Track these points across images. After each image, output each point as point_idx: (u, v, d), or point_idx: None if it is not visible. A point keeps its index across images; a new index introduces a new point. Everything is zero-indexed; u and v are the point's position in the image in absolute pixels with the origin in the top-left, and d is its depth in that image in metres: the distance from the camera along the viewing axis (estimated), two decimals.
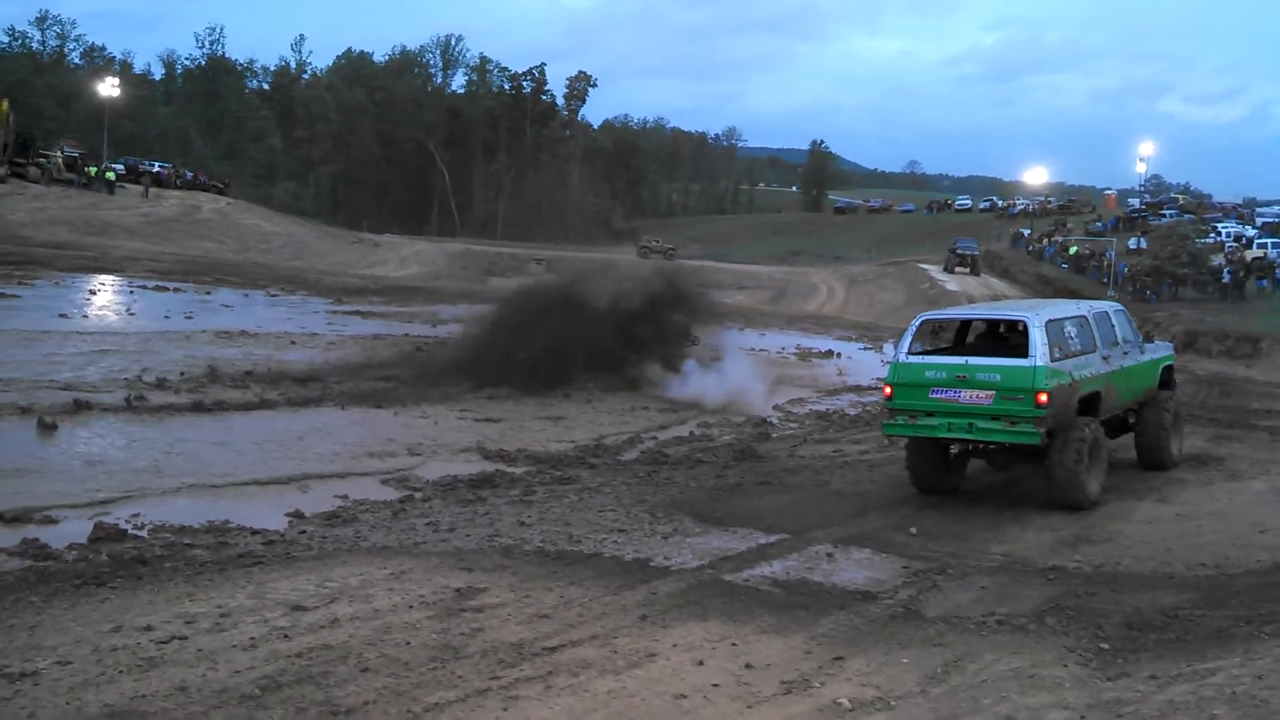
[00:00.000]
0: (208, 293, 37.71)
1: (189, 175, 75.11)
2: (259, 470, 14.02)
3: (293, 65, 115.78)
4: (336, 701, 6.36)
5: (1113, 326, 13.35)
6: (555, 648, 7.31)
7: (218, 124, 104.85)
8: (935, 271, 65.02)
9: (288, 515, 11.91)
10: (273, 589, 8.61)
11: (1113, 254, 54.29)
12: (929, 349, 13.22)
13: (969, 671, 6.92)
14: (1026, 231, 78.42)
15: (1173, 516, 11.16)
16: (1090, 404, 12.17)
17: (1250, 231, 60.88)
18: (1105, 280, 52.41)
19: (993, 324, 13.53)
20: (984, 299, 54.29)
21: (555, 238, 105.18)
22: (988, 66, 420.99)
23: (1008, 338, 12.89)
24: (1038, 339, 11.40)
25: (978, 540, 10.66)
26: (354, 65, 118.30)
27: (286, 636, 7.43)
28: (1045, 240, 70.71)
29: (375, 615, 7.94)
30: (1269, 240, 55.10)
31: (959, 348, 13.44)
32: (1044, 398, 11.13)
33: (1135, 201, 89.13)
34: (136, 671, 6.68)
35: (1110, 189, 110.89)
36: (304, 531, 11.27)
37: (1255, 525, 10.47)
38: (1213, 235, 55.81)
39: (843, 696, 6.52)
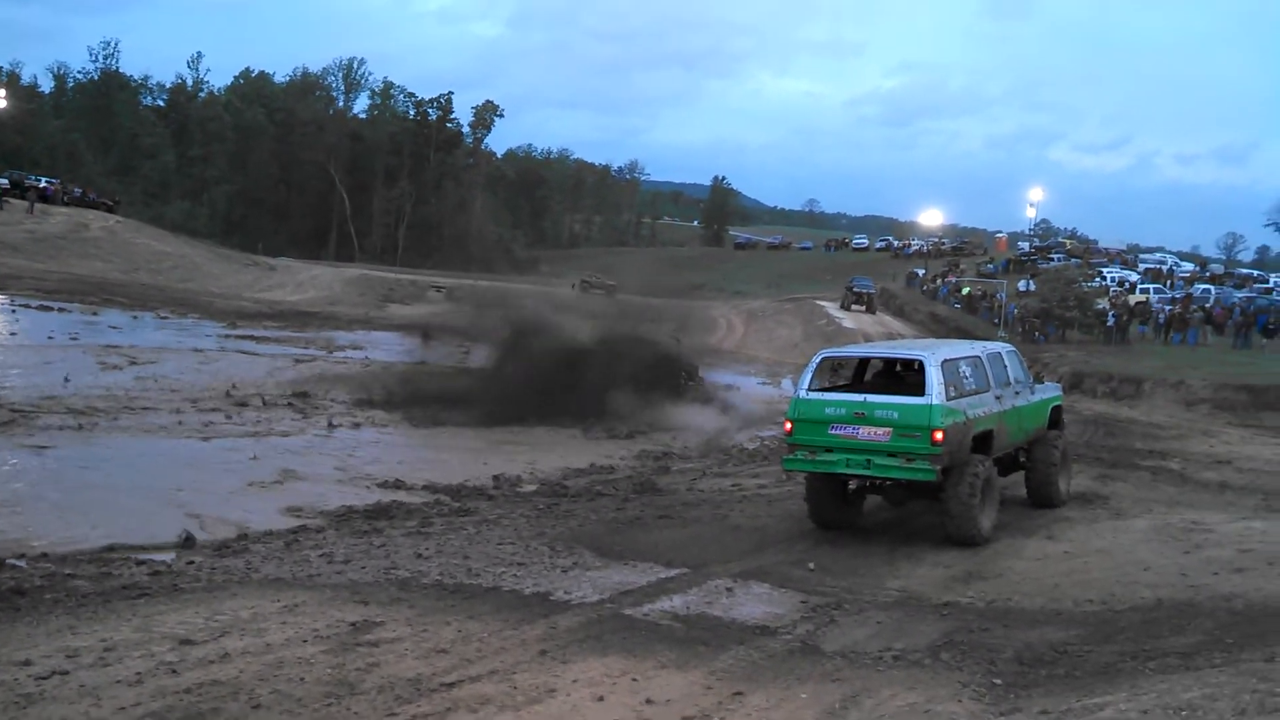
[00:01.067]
0: (95, 313, 36.52)
1: (77, 192, 72.69)
2: (143, 498, 13.61)
3: (189, 83, 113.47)
4: None
5: (1005, 367, 13.64)
6: (454, 683, 7.21)
7: (110, 140, 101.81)
8: (832, 309, 65.88)
9: (176, 545, 11.60)
10: (159, 622, 8.35)
11: (1004, 295, 55.76)
12: (828, 386, 13.35)
13: (866, 707, 7.00)
14: (921, 271, 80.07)
15: (1061, 554, 11.44)
16: (983, 442, 12.39)
17: (1133, 276, 63.21)
18: (996, 321, 53.78)
19: (890, 362, 13.82)
20: (880, 337, 55.31)
21: (456, 265, 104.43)
22: (888, 110, 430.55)
23: (904, 376, 13.21)
24: (934, 378, 11.66)
25: (873, 576, 10.81)
26: (253, 85, 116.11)
27: (174, 672, 7.20)
28: (939, 280, 72.28)
29: (267, 649, 7.74)
30: (1151, 286, 57.25)
31: (857, 385, 13.67)
32: (939, 435, 11.35)
33: (1025, 245, 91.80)
34: (14, 709, 6.42)
35: (1001, 232, 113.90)
36: (192, 562, 10.98)
37: (1139, 563, 10.78)
38: (1098, 279, 57.74)
39: None
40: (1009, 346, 15.14)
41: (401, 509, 14.33)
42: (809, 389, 12.46)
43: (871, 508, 13.70)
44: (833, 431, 11.91)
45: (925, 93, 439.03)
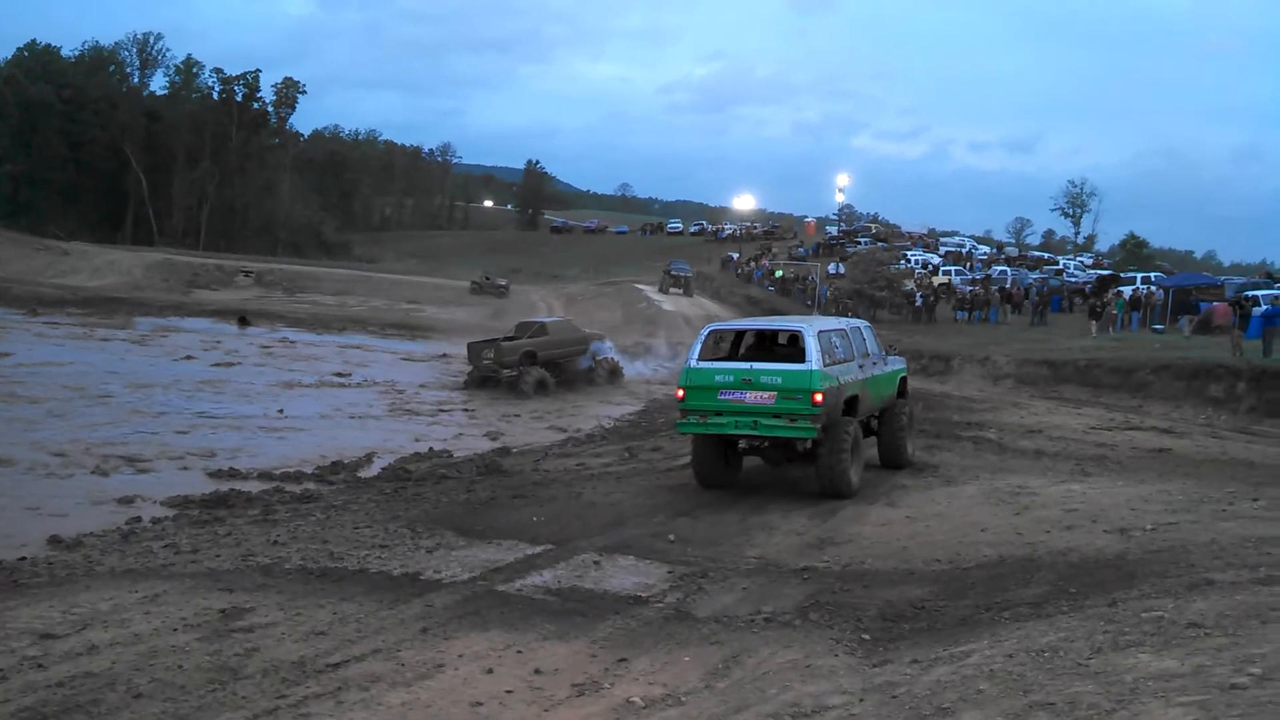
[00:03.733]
0: None
1: None
2: None
3: None
4: None
5: (864, 339, 14.75)
6: (339, 663, 7.12)
7: None
8: (651, 292, 66.72)
9: None
10: (11, 617, 7.96)
11: (816, 277, 57.65)
12: (711, 357, 14.00)
13: (748, 665, 7.25)
14: (735, 255, 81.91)
15: (903, 519, 12.00)
16: (851, 406, 13.46)
17: (935, 259, 66.25)
18: (809, 302, 55.52)
19: (765, 335, 14.71)
20: (699, 319, 56.37)
21: (263, 249, 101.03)
22: (700, 96, 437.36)
23: (777, 348, 14.14)
24: (813, 346, 12.67)
25: (731, 545, 11.11)
26: (39, 59, 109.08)
27: (41, 666, 6.89)
28: (753, 264, 74.10)
29: (137, 640, 7.47)
30: (952, 268, 60.14)
31: (734, 356, 14.39)
32: (819, 397, 12.39)
33: (833, 229, 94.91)
34: None
35: (809, 217, 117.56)
36: (24, 558, 10.47)
37: (976, 525, 11.41)
38: (903, 262, 60.26)
39: (634, 695, 6.69)
40: (865, 323, 16.28)
41: (240, 497, 14.03)
42: (698, 359, 13.21)
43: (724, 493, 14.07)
44: (722, 397, 12.78)
45: (735, 80, 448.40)
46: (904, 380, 16.26)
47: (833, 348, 13.25)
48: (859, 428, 13.52)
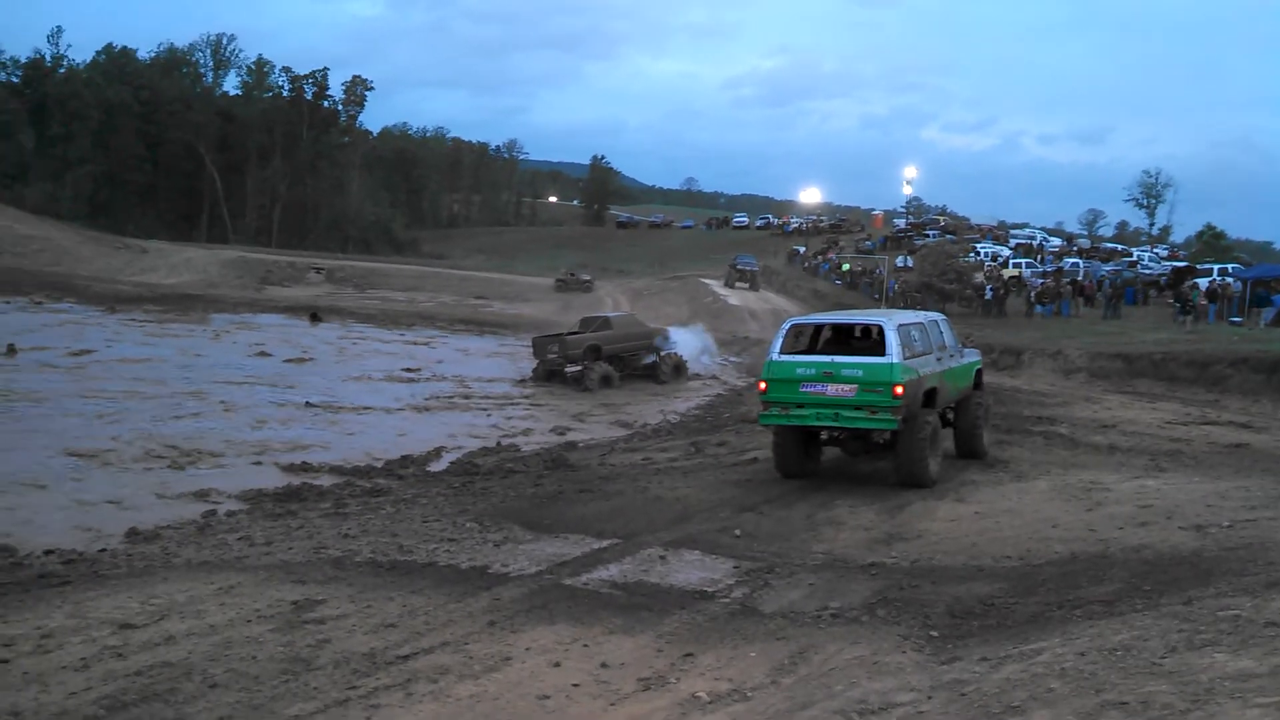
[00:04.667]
0: None
1: None
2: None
3: (48, 58, 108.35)
4: (189, 718, 6.12)
5: (941, 333, 14.96)
6: (408, 655, 7.22)
7: None
8: (717, 286, 66.63)
9: (80, 534, 11.41)
10: (92, 608, 8.17)
11: (884, 271, 57.09)
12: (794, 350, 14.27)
13: (815, 662, 7.22)
14: (801, 249, 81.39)
15: (972, 515, 11.85)
16: (930, 398, 13.62)
17: (1005, 251, 65.27)
18: (876, 296, 55.01)
19: (840, 328, 14.95)
20: (766, 313, 56.23)
21: (334, 246, 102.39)
22: (766, 90, 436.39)
23: (855, 342, 14.50)
24: (893, 340, 12.90)
25: (798, 541, 11.07)
26: (116, 61, 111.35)
27: (120, 655, 7.07)
28: (820, 257, 73.61)
29: (212, 631, 7.63)
30: (1022, 261, 59.25)
31: (813, 350, 14.51)
32: (900, 390, 12.60)
33: (901, 222, 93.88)
34: None
35: (876, 209, 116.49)
36: (104, 550, 10.80)
37: (1048, 520, 11.25)
38: (972, 255, 59.43)
39: (699, 690, 6.69)
40: (941, 316, 16.51)
41: (312, 491, 14.27)
42: (780, 353, 13.49)
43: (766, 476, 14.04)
44: (803, 389, 13.09)
45: (801, 74, 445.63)
46: (979, 372, 16.40)
47: (911, 341, 13.40)
48: (938, 419, 13.82)
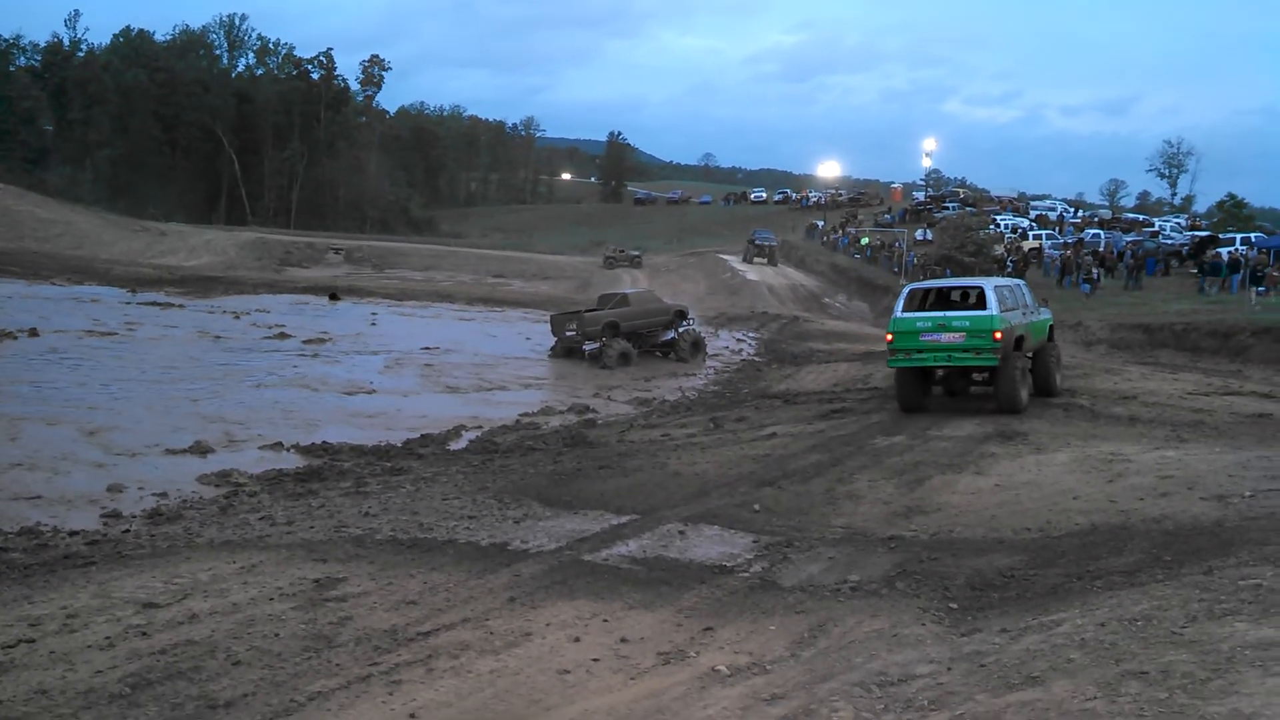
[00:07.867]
0: None
1: None
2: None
3: (66, 42, 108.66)
4: (213, 695, 6.17)
5: (1023, 294, 18.37)
6: (429, 632, 7.27)
7: None
8: (735, 262, 66.47)
9: (102, 515, 11.47)
10: (116, 587, 8.24)
11: (904, 244, 56.83)
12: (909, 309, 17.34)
13: (834, 634, 7.23)
14: (820, 223, 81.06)
15: (992, 487, 11.82)
16: (1019, 344, 16.87)
17: (1025, 223, 64.81)
18: (896, 269, 54.83)
19: (943, 291, 18.47)
20: (784, 288, 56.11)
21: (352, 226, 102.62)
22: (787, 66, 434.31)
23: (954, 301, 17.95)
24: (992, 297, 16.39)
25: (817, 515, 11.08)
26: (133, 44, 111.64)
27: (144, 634, 7.14)
28: (839, 231, 73.31)
29: (235, 609, 7.70)
30: (1043, 233, 58.82)
31: (921, 308, 17.54)
32: (999, 335, 15.99)
33: (920, 195, 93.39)
34: None
35: (896, 183, 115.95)
36: (128, 530, 10.86)
37: (1068, 492, 11.20)
38: (992, 227, 59.11)
39: (719, 664, 6.71)
40: (1022, 281, 20.74)
41: (333, 470, 14.34)
42: (903, 311, 16.92)
43: (797, 451, 14.01)
44: (923, 339, 16.49)
45: (823, 49, 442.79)
46: (1052, 328, 19.90)
47: (1005, 298, 16.69)
48: (1026, 360, 17.14)
